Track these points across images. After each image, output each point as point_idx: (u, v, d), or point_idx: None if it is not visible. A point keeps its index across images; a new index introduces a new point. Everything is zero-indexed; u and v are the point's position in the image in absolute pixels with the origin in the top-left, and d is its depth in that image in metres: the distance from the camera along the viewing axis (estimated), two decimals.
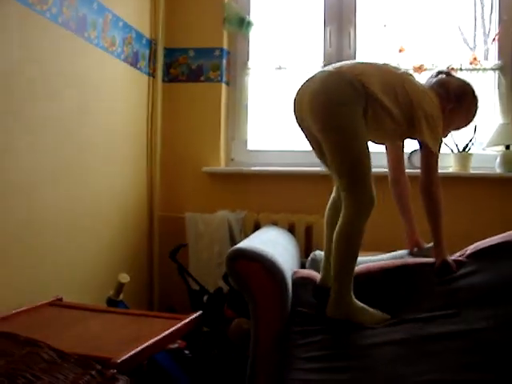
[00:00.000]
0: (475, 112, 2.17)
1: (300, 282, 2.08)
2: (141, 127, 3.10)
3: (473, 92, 2.15)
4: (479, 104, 2.16)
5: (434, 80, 2.16)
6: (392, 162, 2.30)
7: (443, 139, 2.12)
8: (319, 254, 2.36)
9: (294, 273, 2.16)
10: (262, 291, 1.96)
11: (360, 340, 1.78)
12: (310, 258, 2.44)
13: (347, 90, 1.87)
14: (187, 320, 1.85)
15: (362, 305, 1.89)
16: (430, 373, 1.53)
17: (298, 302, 1.99)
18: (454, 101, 2.09)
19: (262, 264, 1.96)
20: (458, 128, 2.22)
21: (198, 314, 1.94)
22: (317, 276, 2.10)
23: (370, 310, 1.89)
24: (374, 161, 1.91)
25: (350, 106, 1.88)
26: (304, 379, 1.65)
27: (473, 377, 1.50)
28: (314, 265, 2.32)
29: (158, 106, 3.19)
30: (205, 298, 2.76)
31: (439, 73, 2.20)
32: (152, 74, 3.19)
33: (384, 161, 2.35)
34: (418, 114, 1.96)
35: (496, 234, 1.99)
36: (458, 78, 2.20)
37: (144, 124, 3.13)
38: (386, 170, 2.34)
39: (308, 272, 2.21)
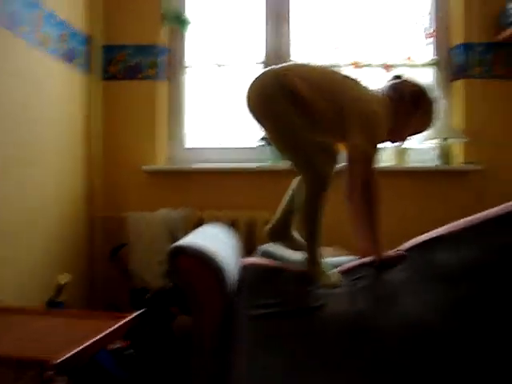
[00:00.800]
0: (433, 116, 2.12)
1: (249, 268, 2.09)
2: (78, 125, 3.01)
3: (429, 96, 2.12)
4: (437, 108, 2.13)
5: (388, 84, 2.18)
6: None
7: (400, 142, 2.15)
8: (266, 248, 2.37)
9: (242, 261, 2.19)
10: (203, 286, 1.94)
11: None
12: (258, 251, 2.44)
13: (275, 87, 1.94)
14: (128, 318, 1.82)
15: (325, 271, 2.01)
16: None
17: (248, 288, 1.99)
18: (409, 105, 2.05)
19: (202, 259, 1.95)
20: (416, 132, 2.15)
21: (139, 312, 1.91)
22: (264, 262, 2.14)
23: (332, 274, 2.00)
24: None
25: (278, 100, 1.94)
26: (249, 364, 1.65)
27: None
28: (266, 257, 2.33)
29: (96, 104, 3.12)
30: (147, 296, 2.72)
31: (395, 77, 2.22)
32: (89, 72, 3.11)
33: None
34: (348, 112, 1.97)
35: (438, 226, 2.03)
36: (414, 83, 2.19)
37: (82, 122, 3.05)
38: None
39: (254, 259, 2.23)
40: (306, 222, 2.03)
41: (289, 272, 2.11)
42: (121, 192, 3.15)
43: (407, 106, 2.03)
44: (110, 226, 3.08)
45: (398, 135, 2.08)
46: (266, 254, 2.35)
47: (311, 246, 2.04)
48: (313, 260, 2.03)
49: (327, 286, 1.93)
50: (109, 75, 3.18)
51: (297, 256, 2.26)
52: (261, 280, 2.02)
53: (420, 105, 2.04)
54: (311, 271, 2.02)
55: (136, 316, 1.87)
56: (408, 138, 2.11)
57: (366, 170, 1.97)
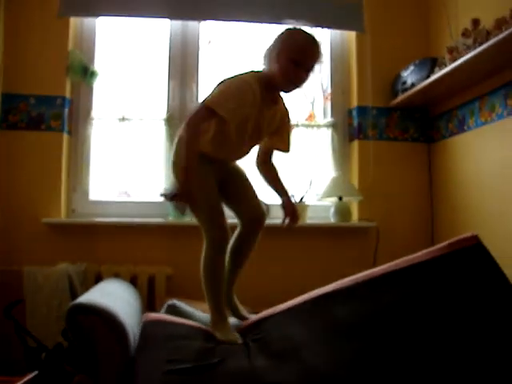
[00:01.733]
0: (297, 40, 2.10)
1: (153, 323, 2.10)
2: None
3: (289, 31, 2.15)
4: (302, 37, 2.12)
5: None
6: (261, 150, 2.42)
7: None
8: (172, 302, 2.38)
9: (145, 316, 2.20)
10: (103, 345, 1.94)
11: None
12: (165, 305, 2.43)
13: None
14: (22, 382, 1.77)
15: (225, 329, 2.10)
16: None
17: (154, 344, 1.97)
18: (273, 47, 2.12)
19: (102, 318, 1.95)
20: (296, 64, 2.07)
21: (33, 374, 1.86)
22: (168, 318, 2.18)
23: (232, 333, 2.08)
24: None
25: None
26: None
27: None
28: (171, 313, 2.33)
29: None
30: (43, 355, 2.63)
31: None
32: None
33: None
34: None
35: (331, 282, 2.10)
36: None
37: None
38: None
39: (159, 315, 2.24)
40: (205, 282, 2.13)
41: (192, 328, 2.13)
42: (18, 245, 3.05)
43: (272, 50, 2.11)
44: (6, 281, 2.96)
45: (286, 77, 2.09)
46: (173, 309, 2.36)
47: (212, 305, 2.13)
48: (214, 318, 2.12)
49: (227, 343, 1.99)
50: (8, 124, 3.11)
51: (202, 314, 2.29)
52: (166, 336, 2.02)
53: (280, 40, 2.10)
54: (213, 328, 2.10)
55: (29, 380, 1.82)
56: (297, 77, 2.09)
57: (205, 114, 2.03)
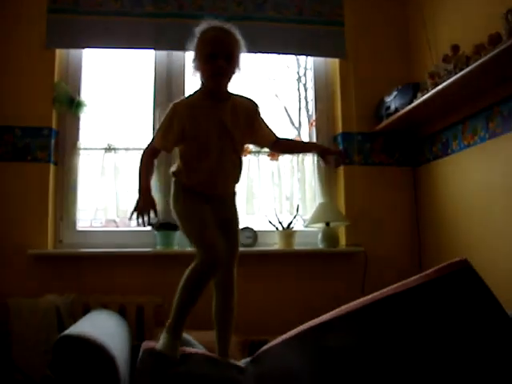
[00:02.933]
0: (202, 39, 2.15)
1: (150, 352, 2.10)
2: None
3: (200, 33, 2.18)
4: (206, 31, 2.16)
5: None
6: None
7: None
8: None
9: (144, 345, 2.21)
10: (93, 377, 1.93)
11: None
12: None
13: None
14: None
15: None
16: None
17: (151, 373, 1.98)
18: (194, 54, 2.18)
19: (91, 349, 1.95)
20: (212, 64, 2.11)
21: None
22: None
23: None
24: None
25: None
26: None
27: None
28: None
29: None
30: None
31: None
32: None
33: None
34: None
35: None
36: None
37: None
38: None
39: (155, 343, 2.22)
40: (179, 292, 2.10)
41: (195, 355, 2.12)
42: (4, 277, 3.01)
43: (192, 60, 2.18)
44: None
45: (207, 74, 2.14)
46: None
47: (173, 317, 2.11)
48: (167, 330, 2.10)
49: (162, 353, 2.04)
50: None
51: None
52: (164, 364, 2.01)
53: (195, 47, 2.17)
54: (162, 335, 2.11)
55: None
56: (215, 68, 2.11)
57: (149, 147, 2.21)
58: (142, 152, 2.23)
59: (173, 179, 2.26)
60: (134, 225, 3.39)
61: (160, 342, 2.07)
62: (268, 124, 2.34)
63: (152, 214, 2.13)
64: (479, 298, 1.47)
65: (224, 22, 2.18)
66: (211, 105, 2.17)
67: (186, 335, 2.29)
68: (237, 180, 2.30)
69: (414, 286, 1.56)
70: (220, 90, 2.19)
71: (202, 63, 2.14)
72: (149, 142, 2.23)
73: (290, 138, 2.44)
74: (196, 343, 2.35)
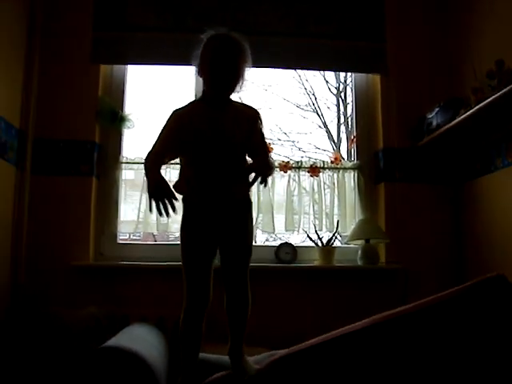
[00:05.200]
0: (207, 47, 2.11)
1: None
2: (6, 220, 2.98)
3: (206, 40, 2.14)
4: (211, 40, 2.11)
5: None
6: None
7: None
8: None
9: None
10: None
11: None
12: None
13: None
14: None
15: None
16: None
17: None
18: (198, 60, 2.12)
19: (130, 362, 1.95)
20: (215, 73, 2.06)
21: None
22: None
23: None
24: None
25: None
26: None
27: None
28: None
29: (25, 199, 3.09)
30: None
31: None
32: (20, 166, 3.09)
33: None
34: None
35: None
36: None
37: (10, 217, 3.02)
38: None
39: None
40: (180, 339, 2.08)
41: None
42: (48, 288, 3.06)
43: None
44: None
45: (210, 82, 2.09)
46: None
47: (182, 361, 2.07)
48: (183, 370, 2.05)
49: None
50: (39, 170, 3.17)
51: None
52: None
53: (200, 53, 2.11)
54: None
55: None
56: (218, 77, 2.06)
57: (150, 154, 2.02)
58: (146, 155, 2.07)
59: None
60: (171, 238, 3.44)
61: None
62: (265, 139, 2.21)
63: (168, 200, 1.93)
64: None
65: (231, 31, 2.13)
66: (211, 112, 2.10)
67: (209, 355, 2.27)
68: (243, 187, 2.14)
69: (448, 298, 1.55)
70: (221, 99, 2.13)
71: (204, 71, 2.10)
72: (148, 151, 2.08)
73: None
74: (220, 359, 2.31)
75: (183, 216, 2.10)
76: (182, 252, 2.09)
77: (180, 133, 2.06)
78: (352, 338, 1.86)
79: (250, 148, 2.15)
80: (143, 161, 2.03)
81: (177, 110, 2.15)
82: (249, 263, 2.11)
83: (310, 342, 2.01)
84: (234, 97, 2.16)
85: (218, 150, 2.07)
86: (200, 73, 2.12)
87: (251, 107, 2.21)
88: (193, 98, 3.38)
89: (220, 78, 2.06)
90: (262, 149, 2.17)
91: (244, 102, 2.23)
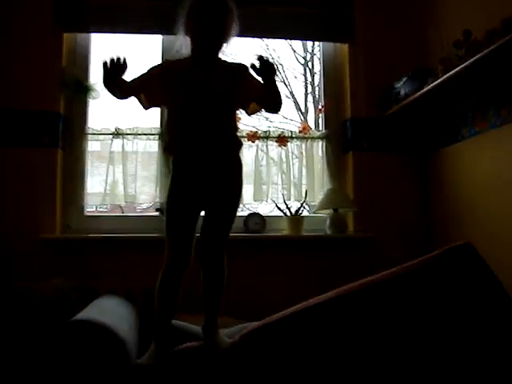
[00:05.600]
0: (191, 3, 2.10)
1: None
2: None
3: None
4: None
5: None
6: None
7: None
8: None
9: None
10: (103, 363, 1.93)
11: None
12: None
13: None
14: None
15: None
16: None
17: None
18: (185, 18, 2.12)
19: (100, 335, 1.94)
20: (201, 37, 2.08)
21: None
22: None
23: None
24: None
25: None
26: None
27: None
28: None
29: None
30: None
31: None
32: None
33: None
34: None
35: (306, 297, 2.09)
36: None
37: None
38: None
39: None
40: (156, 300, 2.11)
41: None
42: (13, 262, 3.02)
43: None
44: None
45: (195, 39, 2.10)
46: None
47: (156, 323, 2.10)
48: (155, 339, 2.07)
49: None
50: (2, 141, 3.10)
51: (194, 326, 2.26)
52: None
53: (186, 11, 2.10)
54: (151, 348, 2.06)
55: None
56: (204, 33, 2.06)
57: None
58: None
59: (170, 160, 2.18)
60: (139, 210, 3.43)
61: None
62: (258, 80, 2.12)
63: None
64: (481, 280, 1.47)
65: None
66: (199, 70, 2.10)
67: (181, 323, 2.28)
68: (232, 146, 2.14)
69: (417, 267, 1.57)
70: (208, 58, 2.12)
71: (190, 29, 2.10)
72: None
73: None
74: (192, 328, 2.32)
75: (171, 176, 2.11)
76: (167, 210, 2.10)
77: (163, 78, 2.08)
78: (321, 309, 1.88)
79: (247, 90, 2.12)
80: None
81: (167, 59, 2.24)
82: (229, 231, 2.12)
83: (279, 314, 2.03)
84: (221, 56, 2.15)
85: (205, 108, 2.05)
86: (186, 31, 2.11)
87: (238, 63, 2.19)
88: None
89: (207, 36, 2.06)
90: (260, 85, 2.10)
91: (231, 60, 2.21)
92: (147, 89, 2.14)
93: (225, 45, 2.12)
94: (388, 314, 1.61)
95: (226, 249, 2.11)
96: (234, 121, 2.18)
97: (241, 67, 2.15)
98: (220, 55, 2.16)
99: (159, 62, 2.17)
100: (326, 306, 1.86)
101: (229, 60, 2.21)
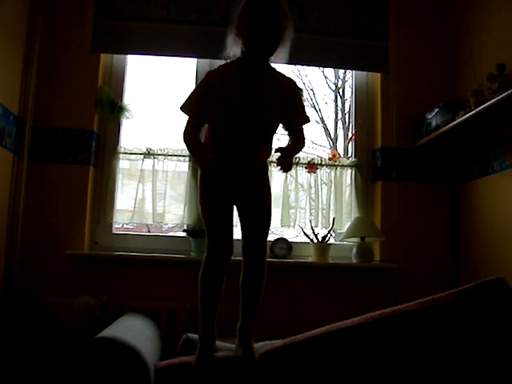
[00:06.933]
0: (249, 7, 2.02)
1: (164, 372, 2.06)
2: (2, 207, 2.97)
3: (244, 2, 2.05)
4: (258, 5, 2.00)
5: None
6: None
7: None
8: (186, 337, 2.34)
9: (157, 365, 2.12)
10: (124, 382, 1.94)
11: None
12: (182, 341, 2.39)
13: None
14: None
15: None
16: None
17: None
18: (237, 20, 2.04)
19: (124, 353, 1.96)
20: (256, 41, 2.00)
21: None
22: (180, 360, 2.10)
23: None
24: None
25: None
26: None
27: None
28: (187, 347, 2.29)
29: (22, 185, 3.07)
30: None
31: None
32: (18, 153, 3.08)
33: None
34: None
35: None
36: None
37: (6, 203, 3.00)
38: None
39: (168, 361, 2.19)
40: (198, 291, 2.06)
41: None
42: (41, 276, 3.06)
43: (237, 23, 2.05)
44: (28, 310, 2.97)
45: (250, 45, 2.03)
46: (188, 343, 2.32)
47: (201, 320, 2.06)
48: (200, 337, 2.05)
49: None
50: (37, 157, 3.16)
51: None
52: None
53: (241, 11, 2.03)
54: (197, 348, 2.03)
55: None
56: (259, 41, 1.99)
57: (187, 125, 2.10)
58: (183, 133, 2.11)
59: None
60: (165, 229, 3.44)
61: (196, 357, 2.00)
62: (305, 107, 2.20)
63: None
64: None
65: None
66: (246, 77, 2.05)
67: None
68: (265, 152, 2.14)
69: (447, 300, 1.55)
70: (259, 63, 2.07)
71: (243, 31, 2.02)
72: (186, 121, 2.11)
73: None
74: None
75: (202, 174, 2.11)
76: (203, 207, 2.09)
77: (210, 97, 2.05)
78: (342, 335, 1.87)
79: (284, 120, 2.13)
80: (183, 137, 2.10)
81: (211, 70, 2.14)
82: (267, 230, 2.13)
83: (303, 334, 2.03)
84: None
85: (247, 114, 2.03)
86: (239, 33, 2.04)
87: (289, 77, 2.17)
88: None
89: (261, 39, 1.98)
90: (306, 116, 2.16)
91: (282, 72, 2.17)
92: (202, 114, 2.11)
93: (278, 51, 2.05)
94: (412, 344, 1.60)
95: (266, 249, 2.14)
96: (273, 132, 2.15)
97: (293, 85, 2.15)
98: (271, 63, 2.11)
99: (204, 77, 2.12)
100: (350, 331, 1.85)
101: (281, 70, 2.17)
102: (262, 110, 2.06)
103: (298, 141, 2.15)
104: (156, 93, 3.50)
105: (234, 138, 2.04)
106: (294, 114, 2.14)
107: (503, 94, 2.47)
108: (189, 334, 2.35)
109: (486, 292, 1.47)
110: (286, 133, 2.19)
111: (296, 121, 2.16)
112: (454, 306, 1.51)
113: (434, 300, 1.59)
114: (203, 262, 2.05)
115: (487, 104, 2.59)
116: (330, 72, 4.16)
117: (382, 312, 1.78)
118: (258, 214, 2.11)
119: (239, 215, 2.14)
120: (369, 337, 1.78)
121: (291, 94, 2.13)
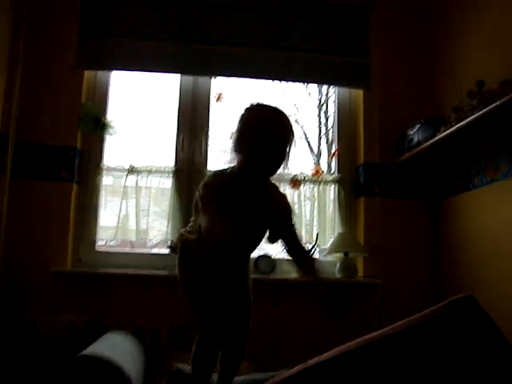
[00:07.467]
0: (255, 123, 1.86)
1: None
2: None
3: (247, 110, 1.91)
4: (260, 115, 1.88)
5: None
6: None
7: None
8: (176, 369, 2.33)
9: None
10: None
11: None
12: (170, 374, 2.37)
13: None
14: None
15: None
16: None
17: None
18: (236, 134, 1.89)
19: (108, 371, 1.95)
20: (257, 163, 1.85)
21: None
22: None
23: None
24: None
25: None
26: None
27: None
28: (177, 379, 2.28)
29: (4, 202, 3.05)
30: None
31: None
32: (0, 169, 3.06)
33: None
34: None
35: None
36: None
37: None
38: None
39: None
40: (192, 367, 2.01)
41: None
42: (24, 294, 3.04)
43: (233, 138, 1.90)
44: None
45: (251, 164, 1.87)
46: (178, 376, 2.30)
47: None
48: None
49: None
50: (19, 174, 3.15)
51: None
52: None
53: (239, 123, 1.89)
54: None
55: None
56: (263, 161, 1.84)
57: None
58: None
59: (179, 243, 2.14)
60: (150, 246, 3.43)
61: None
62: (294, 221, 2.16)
63: None
64: (483, 332, 1.47)
65: (274, 106, 1.91)
66: (243, 191, 1.92)
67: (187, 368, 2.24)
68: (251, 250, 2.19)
69: (418, 322, 1.56)
70: (256, 180, 1.96)
71: (243, 150, 1.85)
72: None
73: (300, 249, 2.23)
74: None
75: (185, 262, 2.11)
76: (188, 288, 2.07)
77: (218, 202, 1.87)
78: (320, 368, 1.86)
79: (280, 233, 2.12)
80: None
81: (210, 180, 1.94)
82: (250, 315, 2.15)
83: (310, 362, 2.01)
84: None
85: (242, 223, 1.89)
86: (237, 150, 1.88)
87: (280, 192, 2.13)
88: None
89: (263, 162, 1.85)
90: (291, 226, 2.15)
91: (273, 183, 2.08)
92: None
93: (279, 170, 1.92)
94: (389, 369, 1.60)
95: (249, 329, 2.14)
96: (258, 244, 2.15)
97: (283, 199, 2.12)
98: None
99: (203, 188, 1.92)
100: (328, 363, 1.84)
101: (271, 184, 2.07)
102: (256, 229, 2.04)
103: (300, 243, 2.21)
104: (139, 109, 3.50)
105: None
106: (284, 225, 2.12)
107: (483, 110, 2.51)
108: (178, 366, 2.33)
109: (457, 309, 1.48)
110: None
111: (287, 230, 2.14)
112: (429, 325, 1.52)
113: (409, 322, 1.59)
114: (195, 344, 1.99)
115: (467, 120, 2.62)
116: (313, 88, 4.18)
117: (362, 339, 1.77)
118: (241, 304, 2.13)
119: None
120: (346, 367, 1.77)
121: (284, 207, 2.10)
